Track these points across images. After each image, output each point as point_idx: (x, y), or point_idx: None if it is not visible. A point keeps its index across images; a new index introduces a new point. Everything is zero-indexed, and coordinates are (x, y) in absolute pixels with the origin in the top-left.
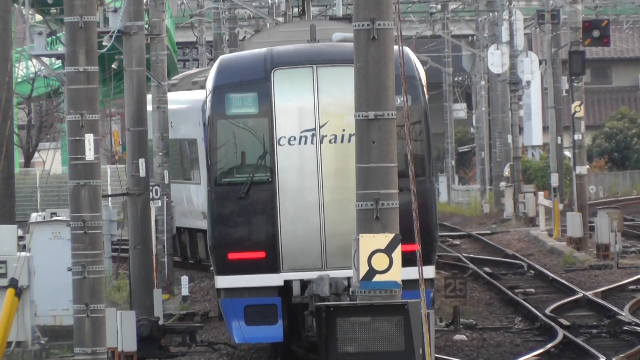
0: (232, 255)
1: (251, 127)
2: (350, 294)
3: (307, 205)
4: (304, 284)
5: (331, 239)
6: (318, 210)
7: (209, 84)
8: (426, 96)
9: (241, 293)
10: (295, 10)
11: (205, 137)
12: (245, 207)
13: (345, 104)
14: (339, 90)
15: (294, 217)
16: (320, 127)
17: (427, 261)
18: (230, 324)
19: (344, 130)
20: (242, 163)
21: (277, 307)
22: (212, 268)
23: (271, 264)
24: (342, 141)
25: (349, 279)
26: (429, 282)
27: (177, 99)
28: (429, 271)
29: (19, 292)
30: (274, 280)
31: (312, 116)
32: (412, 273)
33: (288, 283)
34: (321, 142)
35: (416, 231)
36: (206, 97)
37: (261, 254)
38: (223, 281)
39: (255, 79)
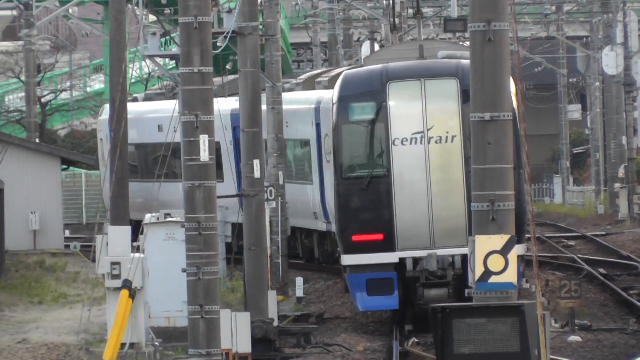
0: (355, 237)
1: (370, 131)
2: (454, 269)
3: (417, 195)
4: (416, 260)
5: (437, 222)
6: (426, 199)
7: (335, 95)
8: (512, 97)
9: (363, 269)
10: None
11: (319, 137)
12: (366, 197)
13: (448, 110)
14: (443, 99)
15: (406, 205)
16: (427, 130)
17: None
18: (355, 295)
19: (447, 132)
20: (363, 160)
21: (393, 280)
22: (338, 249)
23: (388, 244)
24: (446, 141)
25: (453, 256)
26: (519, 257)
27: (296, 99)
28: (520, 249)
29: (133, 294)
30: (390, 257)
31: (421, 121)
32: None
33: (402, 260)
34: (428, 142)
35: (532, 236)
36: (331, 106)
37: (380, 236)
38: (348, 259)
39: (373, 90)
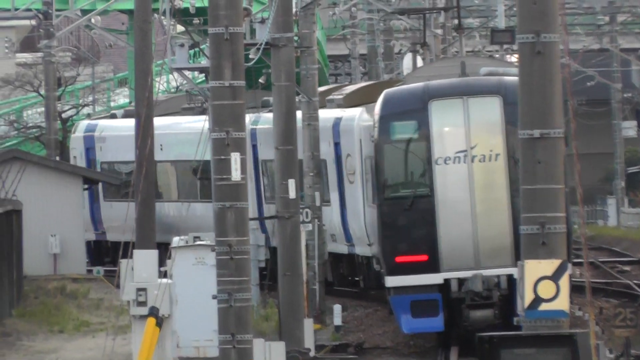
0: (399, 259)
1: (412, 150)
2: (500, 290)
3: (461, 215)
4: (461, 281)
5: (482, 242)
6: (471, 219)
7: (376, 114)
8: None
9: (407, 290)
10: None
11: (339, 157)
12: (409, 217)
13: (491, 128)
14: (486, 116)
15: (450, 225)
16: (471, 148)
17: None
18: (400, 317)
19: (491, 150)
20: (405, 180)
21: (438, 301)
22: (382, 270)
23: (433, 265)
24: (489, 160)
25: (498, 276)
26: None
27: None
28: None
29: (160, 322)
30: (435, 279)
31: (464, 139)
32: None
33: (447, 281)
34: (472, 161)
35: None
36: (373, 125)
37: (424, 257)
38: (392, 281)
39: (415, 109)
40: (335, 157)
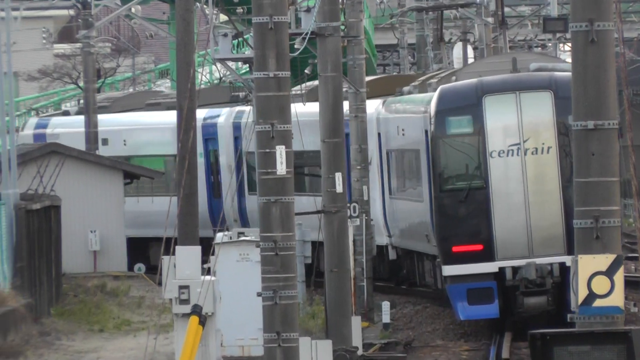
0: (456, 248)
1: (467, 144)
2: (553, 277)
3: (515, 206)
4: (515, 269)
5: (535, 232)
6: (524, 209)
7: (432, 109)
8: None
9: (463, 279)
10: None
11: (428, 149)
12: (465, 208)
13: (543, 122)
14: (537, 111)
15: (504, 216)
16: (523, 142)
17: None
18: (456, 305)
19: (543, 143)
20: (461, 173)
21: (493, 289)
22: (438, 260)
23: (488, 254)
24: (541, 152)
25: (551, 264)
26: None
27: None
28: None
29: (203, 320)
30: (490, 267)
31: (517, 133)
32: None
33: (502, 269)
34: (525, 154)
35: None
36: (429, 119)
37: (479, 247)
38: (449, 270)
39: (470, 104)
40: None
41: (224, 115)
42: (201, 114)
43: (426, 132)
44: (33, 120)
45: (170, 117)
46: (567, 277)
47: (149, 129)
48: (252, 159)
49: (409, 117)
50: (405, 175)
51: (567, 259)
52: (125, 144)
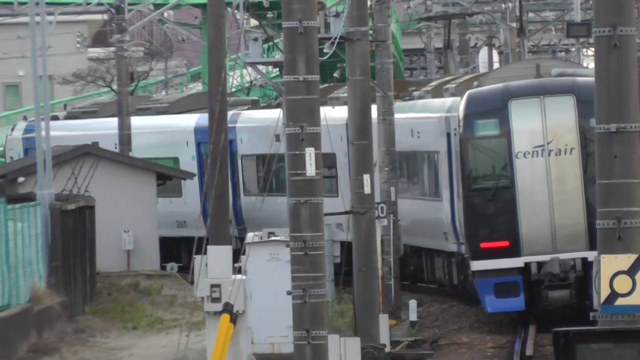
0: (483, 245)
1: (494, 145)
2: (575, 272)
3: (540, 204)
4: (540, 264)
5: (559, 229)
6: (548, 208)
7: (460, 113)
8: None
9: (491, 274)
10: (533, 14)
11: (451, 150)
12: (492, 207)
13: (566, 125)
14: (561, 114)
15: (530, 214)
16: (547, 143)
17: None
18: (484, 298)
19: (566, 145)
20: (488, 173)
21: (519, 283)
22: (466, 255)
23: (514, 250)
24: (564, 154)
25: (574, 259)
26: None
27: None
28: None
29: (235, 318)
30: (516, 262)
31: (541, 135)
32: None
33: (527, 264)
34: (549, 155)
35: None
36: (458, 122)
37: (506, 243)
38: (477, 265)
39: (496, 108)
40: (448, 149)
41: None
42: (193, 119)
43: (448, 134)
44: (22, 124)
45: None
46: (589, 272)
47: (156, 133)
48: (247, 162)
49: (426, 120)
50: (419, 175)
51: (589, 255)
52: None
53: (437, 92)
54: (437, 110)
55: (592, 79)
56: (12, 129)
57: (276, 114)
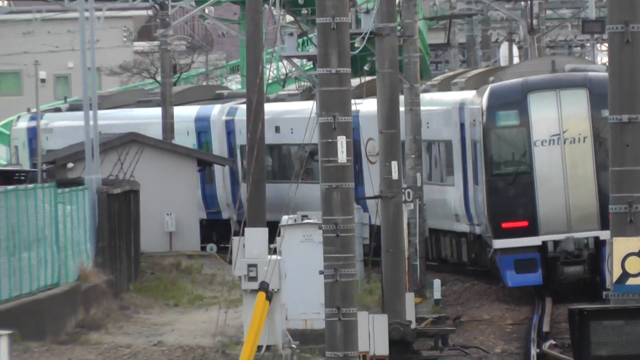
0: (505, 225)
1: (514, 134)
2: (588, 249)
3: (556, 188)
4: (556, 243)
5: (573, 211)
6: (564, 191)
7: (483, 105)
8: None
9: (511, 251)
10: (550, 12)
11: (465, 139)
12: (513, 190)
13: (579, 116)
14: (574, 106)
15: (547, 197)
16: (563, 132)
17: None
18: (505, 274)
19: (579, 134)
20: (509, 159)
21: (537, 260)
22: (488, 235)
23: (532, 230)
24: (579, 142)
25: (587, 238)
26: None
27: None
28: None
29: (270, 296)
30: (534, 241)
31: (557, 125)
32: None
33: (544, 243)
34: (564, 143)
35: None
36: (481, 113)
37: (525, 223)
38: (499, 243)
39: (516, 100)
40: (461, 139)
41: (216, 111)
42: (193, 110)
43: (461, 125)
44: (27, 115)
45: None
46: (602, 250)
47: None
48: (244, 151)
49: (437, 111)
50: (432, 162)
51: (601, 234)
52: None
53: (444, 86)
54: (449, 103)
55: (603, 73)
56: (17, 120)
57: (270, 107)
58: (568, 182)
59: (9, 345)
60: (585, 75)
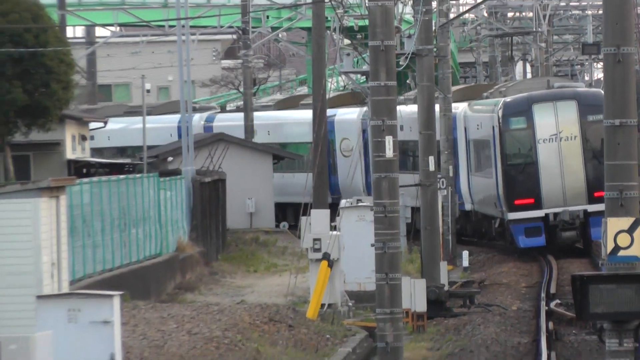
0: (517, 202)
1: (523, 135)
2: (579, 219)
3: (554, 174)
4: (555, 214)
5: (568, 190)
6: (561, 176)
7: (500, 113)
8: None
9: (522, 221)
10: (556, 37)
11: (494, 140)
12: (522, 176)
13: (571, 120)
14: (567, 113)
15: (548, 180)
16: (559, 133)
17: None
18: (517, 238)
19: (571, 134)
20: (519, 153)
21: (541, 227)
22: (503, 209)
23: (537, 205)
24: (570, 140)
25: (579, 211)
26: None
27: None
28: None
29: (331, 264)
30: (539, 213)
31: (554, 127)
32: None
33: (547, 214)
34: (560, 141)
35: None
36: (498, 120)
37: (532, 200)
38: (512, 215)
39: (524, 110)
40: (493, 139)
41: (354, 114)
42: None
43: (493, 127)
44: (203, 115)
45: (306, 115)
46: (589, 219)
47: (288, 124)
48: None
49: (483, 116)
50: (480, 158)
51: (588, 207)
52: (269, 134)
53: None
54: (488, 109)
55: (588, 89)
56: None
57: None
58: (563, 170)
59: (121, 303)
60: (575, 90)
